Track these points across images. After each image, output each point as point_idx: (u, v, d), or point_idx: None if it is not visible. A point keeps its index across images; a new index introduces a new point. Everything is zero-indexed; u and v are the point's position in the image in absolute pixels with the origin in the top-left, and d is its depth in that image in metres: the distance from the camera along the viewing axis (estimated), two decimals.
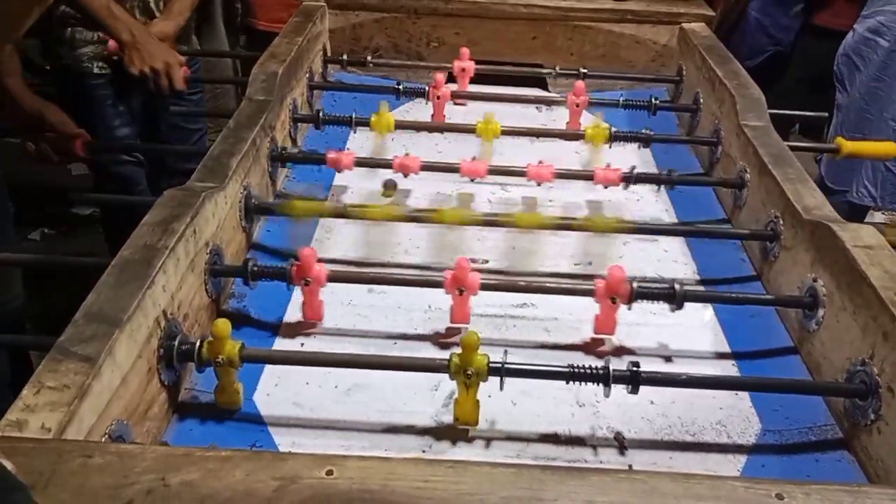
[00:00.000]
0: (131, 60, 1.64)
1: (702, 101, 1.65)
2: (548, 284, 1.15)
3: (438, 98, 1.64)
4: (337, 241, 1.30)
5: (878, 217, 3.34)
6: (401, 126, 1.54)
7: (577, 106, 1.64)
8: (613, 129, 1.48)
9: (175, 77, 1.64)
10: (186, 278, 0.95)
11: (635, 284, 1.04)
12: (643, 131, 1.49)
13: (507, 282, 1.15)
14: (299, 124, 1.54)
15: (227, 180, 1.10)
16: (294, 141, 1.52)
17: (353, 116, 1.49)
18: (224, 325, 0.88)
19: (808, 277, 1.05)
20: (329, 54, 1.88)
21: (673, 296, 1.04)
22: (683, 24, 1.89)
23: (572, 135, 1.56)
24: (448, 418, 0.94)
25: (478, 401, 0.90)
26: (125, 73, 1.67)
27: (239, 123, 1.27)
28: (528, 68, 1.89)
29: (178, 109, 1.84)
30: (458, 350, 0.88)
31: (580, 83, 1.66)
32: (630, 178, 1.34)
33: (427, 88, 1.65)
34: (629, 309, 1.06)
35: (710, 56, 1.65)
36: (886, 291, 0.88)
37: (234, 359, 0.88)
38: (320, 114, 1.49)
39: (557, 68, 1.79)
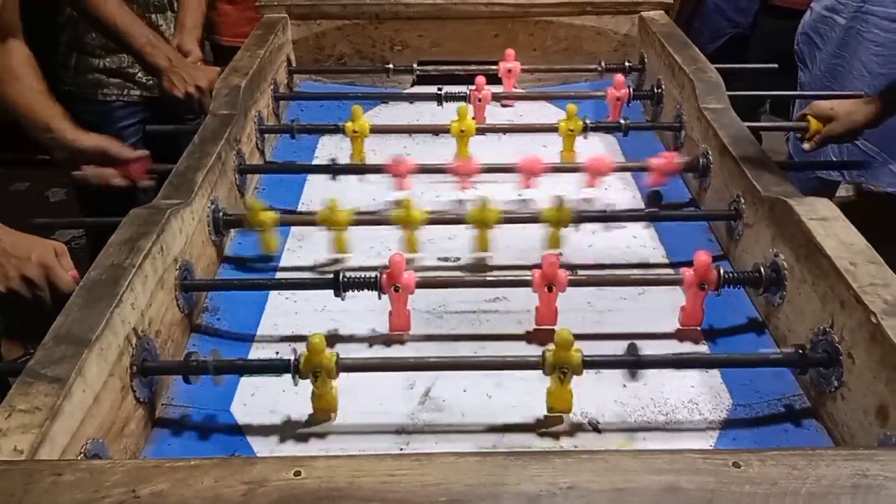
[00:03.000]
0: (173, 84, 1.63)
1: (664, 87, 1.67)
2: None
3: (480, 100, 1.65)
4: (309, 248, 1.31)
5: (853, 191, 3.38)
6: (375, 130, 1.55)
7: (619, 100, 1.66)
8: (590, 121, 1.51)
9: None
10: (156, 295, 0.96)
11: (722, 270, 1.05)
12: (621, 120, 1.52)
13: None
14: (266, 135, 1.55)
15: (193, 195, 1.11)
16: (262, 153, 1.53)
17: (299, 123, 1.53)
18: (320, 339, 0.90)
19: (770, 253, 1.07)
20: (294, 65, 1.89)
21: (760, 279, 1.06)
22: (643, 13, 1.91)
23: (547, 129, 1.56)
24: (425, 416, 0.96)
25: (570, 390, 0.92)
26: (168, 98, 1.66)
27: (203, 138, 1.28)
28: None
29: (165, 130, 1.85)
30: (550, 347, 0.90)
31: (620, 77, 1.68)
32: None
33: (468, 92, 1.67)
34: (718, 295, 1.07)
35: (669, 43, 1.67)
36: (841, 261, 0.90)
37: (331, 370, 0.90)
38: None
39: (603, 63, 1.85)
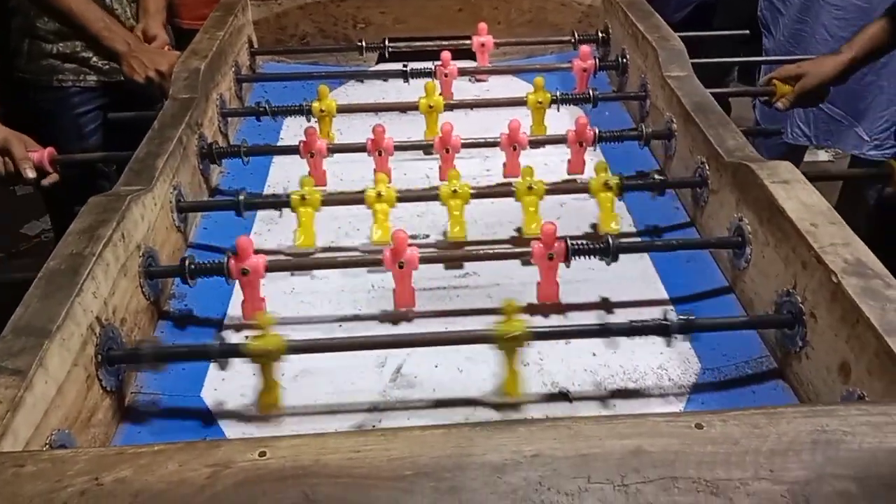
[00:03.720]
0: (132, 69, 1.61)
1: (628, 57, 1.67)
2: (483, 252, 1.17)
3: (446, 76, 1.63)
4: (277, 231, 1.30)
5: (823, 155, 3.42)
6: (342, 110, 1.53)
7: (585, 71, 1.65)
8: (559, 93, 1.51)
9: None
10: (119, 283, 0.95)
11: (570, 241, 1.05)
12: (589, 91, 1.52)
13: (445, 254, 1.17)
14: (229, 119, 1.53)
15: (154, 181, 1.10)
16: (225, 136, 1.51)
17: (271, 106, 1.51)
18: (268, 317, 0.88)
19: (735, 218, 1.08)
20: (255, 46, 1.86)
21: (608, 249, 1.06)
22: None
23: (516, 103, 1.55)
24: (396, 393, 0.96)
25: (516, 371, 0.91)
26: (128, 83, 1.64)
27: (163, 123, 1.26)
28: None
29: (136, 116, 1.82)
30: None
31: (586, 48, 1.67)
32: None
33: (434, 68, 1.65)
34: (567, 267, 1.08)
35: (631, 12, 1.66)
36: (802, 222, 0.91)
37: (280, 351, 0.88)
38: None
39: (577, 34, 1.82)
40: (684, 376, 0.97)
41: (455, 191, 1.19)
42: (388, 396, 0.95)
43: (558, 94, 1.51)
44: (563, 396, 0.94)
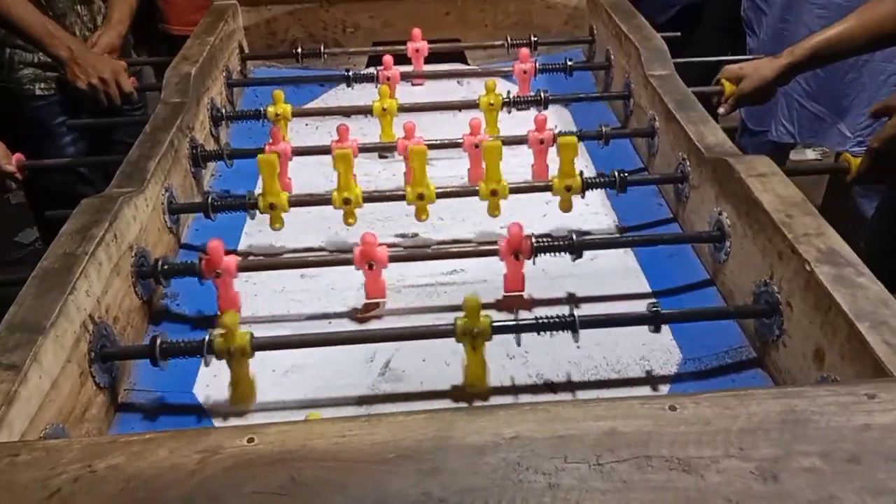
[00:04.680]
0: (75, 76, 1.64)
1: (612, 57, 1.69)
2: (456, 250, 1.21)
3: (388, 79, 1.65)
4: (268, 231, 1.31)
5: (811, 154, 3.45)
6: (298, 114, 1.56)
7: (525, 73, 1.69)
8: (513, 96, 1.53)
9: (123, 83, 1.65)
10: (112, 282, 0.97)
11: (534, 240, 1.08)
12: (540, 93, 1.54)
13: (418, 252, 1.19)
14: (221, 123, 1.55)
15: (146, 183, 1.12)
16: (216, 140, 1.53)
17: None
18: (232, 316, 0.89)
19: (715, 212, 1.11)
20: (246, 51, 1.89)
21: (572, 246, 1.08)
22: None
23: (471, 105, 1.57)
24: (385, 386, 0.98)
25: (484, 361, 0.93)
26: (72, 90, 1.67)
27: (155, 127, 1.28)
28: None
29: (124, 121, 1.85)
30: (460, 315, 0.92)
31: (525, 50, 1.71)
32: None
33: (377, 72, 1.67)
34: (534, 264, 1.10)
35: (615, 13, 1.69)
36: (778, 214, 0.93)
37: (245, 348, 0.89)
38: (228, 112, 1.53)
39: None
40: (666, 366, 0.99)
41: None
42: (376, 390, 0.97)
43: (512, 96, 1.53)
44: (548, 388, 0.97)
